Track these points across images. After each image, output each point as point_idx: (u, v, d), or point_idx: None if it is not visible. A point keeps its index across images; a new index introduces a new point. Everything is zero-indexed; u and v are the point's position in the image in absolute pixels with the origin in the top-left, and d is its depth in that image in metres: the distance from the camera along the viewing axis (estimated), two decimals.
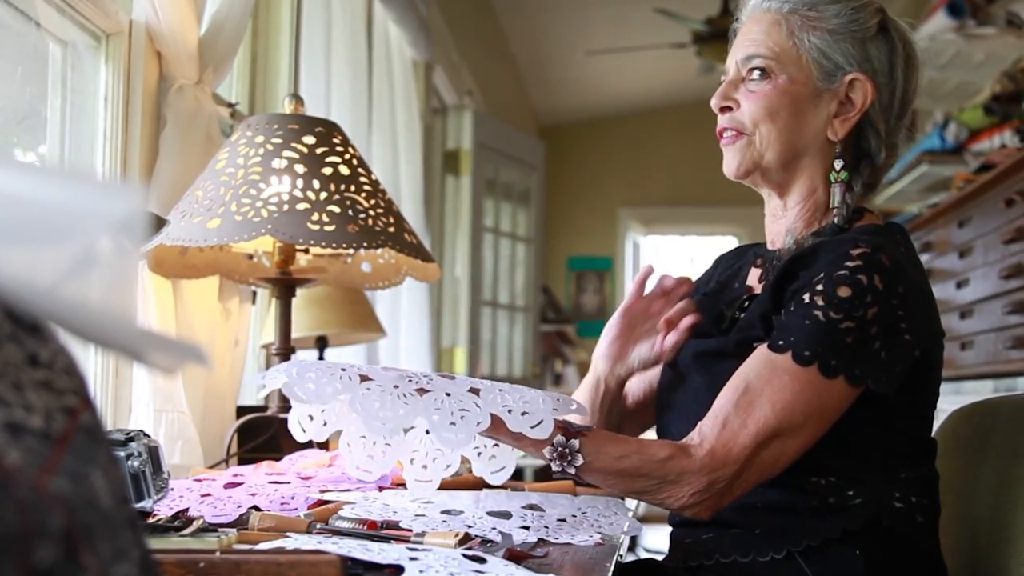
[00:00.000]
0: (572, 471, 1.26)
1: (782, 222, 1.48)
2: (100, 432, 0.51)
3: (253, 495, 1.35)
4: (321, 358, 2.66)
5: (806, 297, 1.29)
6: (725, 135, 1.45)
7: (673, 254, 9.51)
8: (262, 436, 1.87)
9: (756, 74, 1.42)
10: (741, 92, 1.44)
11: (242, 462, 1.79)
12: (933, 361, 1.37)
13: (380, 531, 1.22)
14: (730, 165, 1.46)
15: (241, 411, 2.07)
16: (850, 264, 1.28)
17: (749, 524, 1.35)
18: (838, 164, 1.42)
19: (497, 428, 1.24)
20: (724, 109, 1.45)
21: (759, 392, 1.27)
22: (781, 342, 1.29)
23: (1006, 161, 2.95)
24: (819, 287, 1.29)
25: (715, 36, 6.03)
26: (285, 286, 1.93)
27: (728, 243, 9.04)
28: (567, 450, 1.26)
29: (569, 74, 7.64)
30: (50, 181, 0.50)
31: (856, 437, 1.33)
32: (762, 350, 1.30)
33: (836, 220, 1.40)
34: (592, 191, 8.56)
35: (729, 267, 1.61)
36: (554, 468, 1.27)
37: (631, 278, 8.68)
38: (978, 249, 3.16)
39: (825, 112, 1.41)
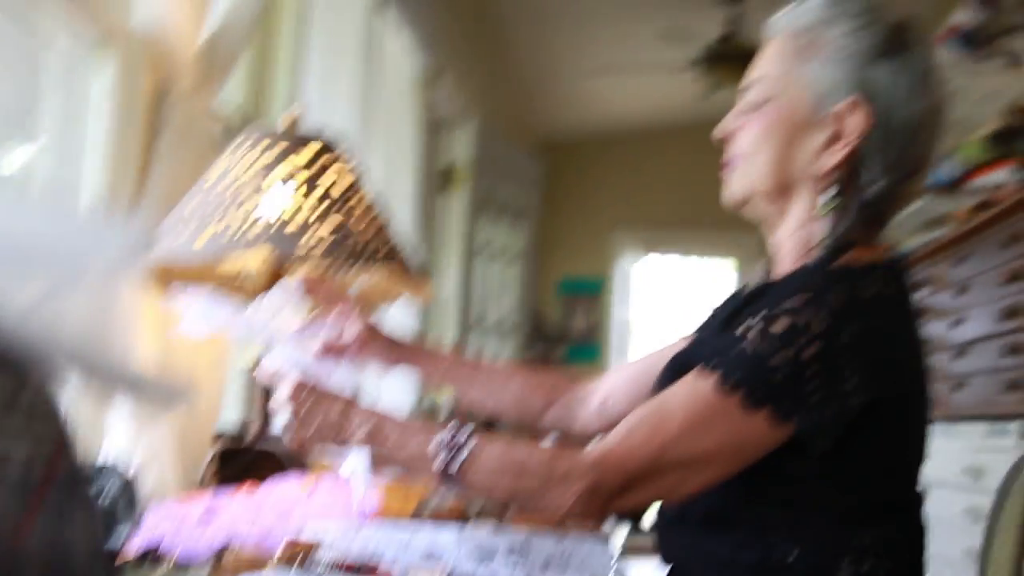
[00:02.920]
0: (456, 466, 1.20)
1: (777, 260, 1.43)
2: (78, 476, 0.50)
3: (228, 531, 1.32)
4: None
5: (741, 328, 1.24)
6: (726, 164, 1.42)
7: (667, 277, 9.49)
8: (239, 462, 1.83)
9: (752, 100, 1.39)
10: (741, 120, 1.40)
11: (221, 485, 1.75)
12: (899, 413, 1.28)
13: (357, 573, 1.19)
14: (726, 193, 1.43)
15: (220, 436, 2.04)
16: (792, 302, 1.22)
17: (701, 573, 1.31)
18: (823, 198, 1.34)
19: (378, 438, 1.23)
20: (725, 139, 1.42)
21: (673, 412, 1.21)
22: (708, 367, 1.22)
23: (1006, 200, 2.94)
24: (756, 319, 1.23)
25: (719, 59, 6.03)
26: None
27: (725, 267, 9.03)
28: (453, 443, 1.21)
29: (571, 92, 7.62)
30: (46, 218, 0.49)
31: (798, 494, 1.26)
32: (690, 373, 1.24)
33: (813, 258, 1.33)
34: (587, 211, 8.53)
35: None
36: (437, 465, 1.21)
37: (624, 300, 8.69)
38: (975, 288, 3.14)
39: (819, 141, 1.33)
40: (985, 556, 1.56)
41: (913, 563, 1.32)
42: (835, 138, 1.33)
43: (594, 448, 1.22)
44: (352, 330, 1.52)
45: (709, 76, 6.19)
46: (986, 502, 2.74)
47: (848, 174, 1.34)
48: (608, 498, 1.20)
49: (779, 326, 1.21)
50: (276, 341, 1.46)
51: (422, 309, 4.80)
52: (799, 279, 1.28)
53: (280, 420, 1.27)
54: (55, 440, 0.49)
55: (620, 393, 1.61)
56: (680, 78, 6.58)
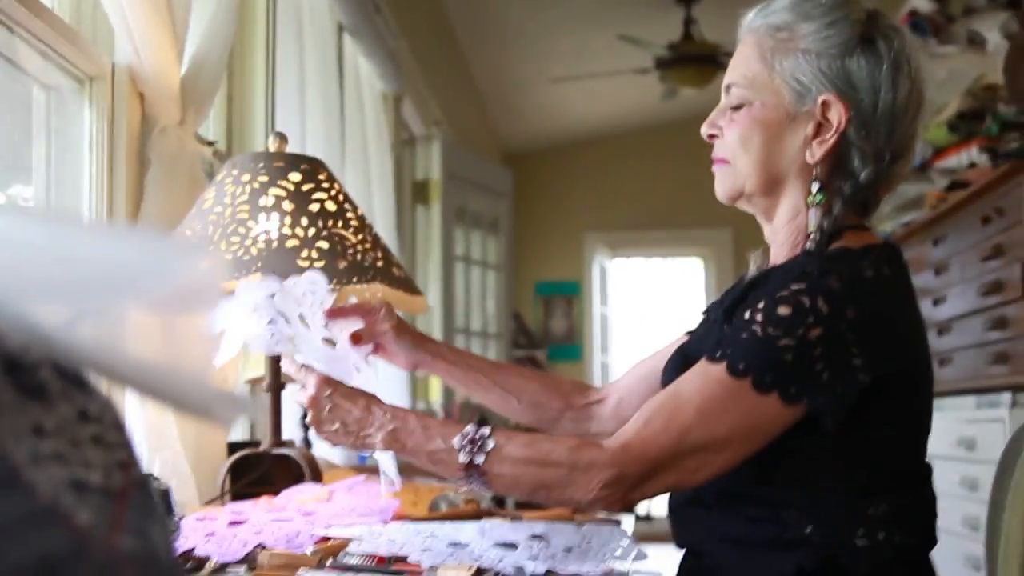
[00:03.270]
0: (481, 459, 1.24)
1: (773, 248, 1.47)
2: (149, 485, 0.52)
3: (258, 533, 1.35)
4: None
5: (747, 314, 1.28)
6: (715, 162, 1.46)
7: (639, 277, 9.55)
8: (255, 472, 1.86)
9: (733, 101, 1.41)
10: (725, 119, 1.43)
11: (236, 498, 1.78)
12: (905, 389, 1.32)
13: (390, 566, 1.22)
14: (717, 190, 1.46)
15: (232, 447, 2.06)
16: (793, 286, 1.26)
17: (717, 555, 1.35)
18: (814, 187, 1.37)
19: (401, 434, 1.28)
20: (712, 136, 1.45)
21: (687, 399, 1.25)
22: (718, 354, 1.27)
23: (981, 179, 3.00)
24: (760, 305, 1.27)
25: (678, 61, 6.10)
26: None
27: (694, 265, 9.10)
28: (478, 436, 1.26)
29: (533, 102, 7.68)
30: (113, 238, 0.51)
31: (812, 470, 1.30)
32: (700, 362, 1.29)
33: (808, 245, 1.36)
34: (558, 217, 8.59)
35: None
36: (462, 459, 1.25)
37: (599, 302, 8.74)
38: (954, 266, 3.20)
39: (802, 135, 1.37)
40: (992, 524, 1.59)
41: (925, 531, 1.36)
42: (819, 131, 1.37)
43: (614, 439, 1.25)
44: (384, 324, 1.56)
45: (667, 79, 6.25)
46: (981, 471, 2.82)
47: (835, 164, 1.38)
48: (631, 487, 1.24)
49: (783, 309, 1.25)
50: (304, 338, 1.50)
51: (409, 318, 4.83)
52: (799, 264, 1.32)
53: (303, 417, 1.31)
54: (126, 447, 0.51)
55: (633, 393, 1.65)
56: (639, 82, 6.64)
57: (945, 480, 2.96)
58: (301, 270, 1.73)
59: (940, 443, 3.05)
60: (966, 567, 2.92)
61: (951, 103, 3.79)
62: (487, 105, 7.59)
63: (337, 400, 1.33)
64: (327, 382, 1.33)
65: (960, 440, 3.01)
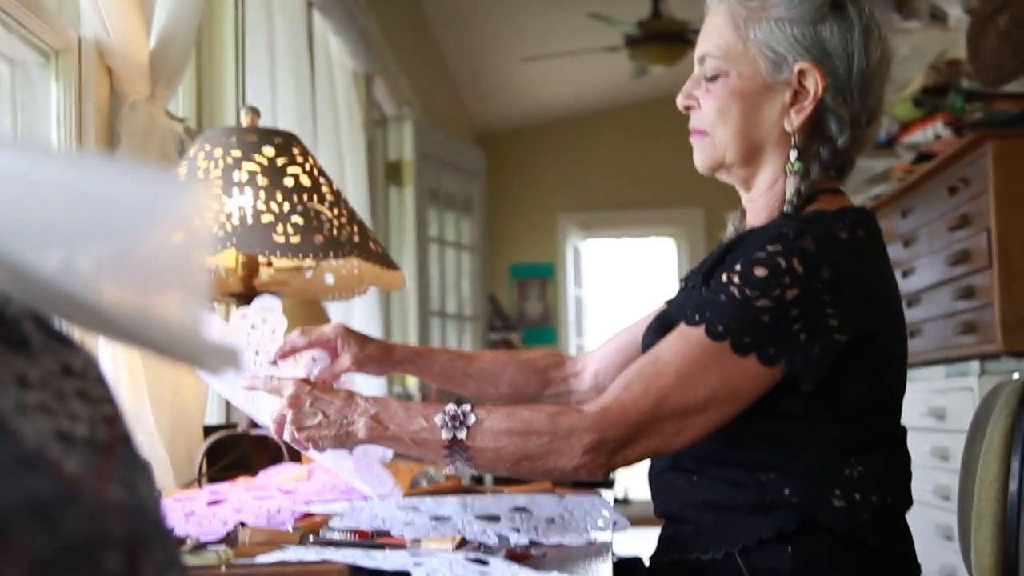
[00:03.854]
0: (463, 434, 1.25)
1: (750, 214, 1.48)
2: (134, 441, 0.51)
3: (238, 511, 1.34)
4: None
5: (724, 277, 1.29)
6: (692, 132, 1.45)
7: (612, 258, 9.57)
8: (232, 454, 1.84)
9: (708, 72, 1.41)
10: (701, 90, 1.43)
11: (213, 481, 1.76)
12: (880, 349, 1.33)
13: (373, 540, 1.21)
14: (696, 161, 1.46)
15: (208, 430, 2.04)
16: (769, 247, 1.27)
17: (698, 521, 1.36)
18: (793, 155, 1.38)
19: (383, 418, 1.28)
20: (688, 108, 1.45)
21: (667, 363, 1.26)
22: (697, 316, 1.27)
23: (947, 150, 3.02)
24: (736, 268, 1.28)
25: (647, 39, 6.08)
26: (249, 301, 1.91)
27: (666, 245, 9.12)
28: (459, 412, 1.26)
29: (504, 82, 7.66)
30: (98, 175, 0.49)
31: (790, 431, 1.31)
32: (679, 325, 1.30)
33: (785, 209, 1.37)
34: (530, 198, 8.59)
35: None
36: (444, 436, 1.25)
37: (572, 283, 8.75)
38: (922, 238, 3.22)
39: (779, 104, 1.38)
40: (964, 488, 1.61)
41: (901, 492, 1.37)
42: (795, 98, 1.38)
43: (594, 403, 1.26)
44: (345, 360, 1.51)
45: (637, 57, 6.24)
46: (951, 441, 2.84)
47: (812, 130, 1.40)
48: (613, 451, 1.24)
49: (760, 271, 1.25)
50: (260, 362, 1.48)
51: (383, 300, 4.81)
52: (774, 227, 1.33)
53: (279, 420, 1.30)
54: (110, 402, 0.50)
55: (611, 364, 1.65)
56: (610, 61, 6.63)
57: (916, 450, 2.97)
58: (276, 246, 1.71)
59: (911, 414, 3.06)
60: (937, 535, 2.94)
61: (915, 78, 3.81)
62: (458, 85, 7.56)
63: (317, 394, 1.32)
64: (305, 382, 1.33)
65: (930, 410, 3.03)
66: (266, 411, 1.43)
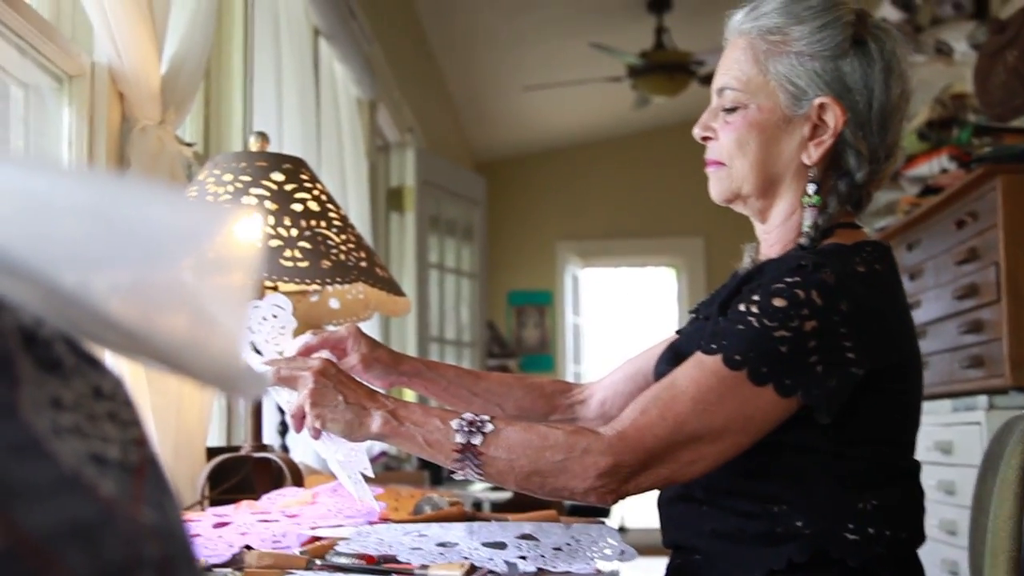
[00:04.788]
0: (479, 440, 1.24)
1: (765, 245, 1.48)
2: (160, 464, 0.51)
3: (244, 534, 1.34)
4: None
5: (742, 306, 1.29)
6: (708, 163, 1.45)
7: (611, 287, 9.57)
8: (235, 477, 1.84)
9: (727, 104, 1.42)
10: (719, 121, 1.43)
11: (216, 504, 1.76)
12: (895, 383, 1.33)
13: (380, 565, 1.21)
14: (712, 192, 1.46)
15: (212, 452, 2.04)
16: (788, 279, 1.27)
17: (708, 551, 1.35)
18: (811, 188, 1.39)
19: (399, 415, 1.27)
20: (706, 139, 1.45)
21: (683, 390, 1.25)
22: (713, 345, 1.27)
23: (955, 184, 3.03)
24: (755, 297, 1.28)
25: (650, 69, 6.12)
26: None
27: (665, 274, 9.13)
28: (478, 420, 1.26)
29: (506, 110, 7.69)
30: (139, 200, 0.50)
31: (804, 464, 1.31)
32: (695, 354, 1.29)
33: (802, 241, 1.38)
34: (530, 225, 8.60)
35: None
36: (458, 439, 1.25)
37: (571, 311, 8.75)
38: (929, 271, 3.23)
39: (798, 137, 1.39)
40: (976, 524, 1.60)
41: (914, 527, 1.37)
42: (814, 132, 1.38)
43: (610, 427, 1.25)
44: (352, 357, 1.51)
45: (639, 87, 6.27)
46: (957, 475, 2.84)
47: (830, 164, 1.40)
48: (626, 477, 1.24)
49: (779, 301, 1.26)
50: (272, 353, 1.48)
51: (383, 326, 4.82)
52: (792, 258, 1.33)
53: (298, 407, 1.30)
54: (139, 425, 0.50)
55: (619, 393, 1.65)
56: (611, 91, 6.67)
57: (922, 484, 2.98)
58: (284, 269, 1.72)
59: (917, 447, 3.06)
60: (943, 571, 2.93)
61: (920, 112, 3.83)
62: (460, 113, 7.60)
63: (343, 379, 1.32)
64: (323, 370, 1.32)
65: (937, 444, 3.02)
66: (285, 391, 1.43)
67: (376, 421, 1.28)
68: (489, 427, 1.25)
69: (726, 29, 1.47)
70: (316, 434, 1.31)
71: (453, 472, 1.29)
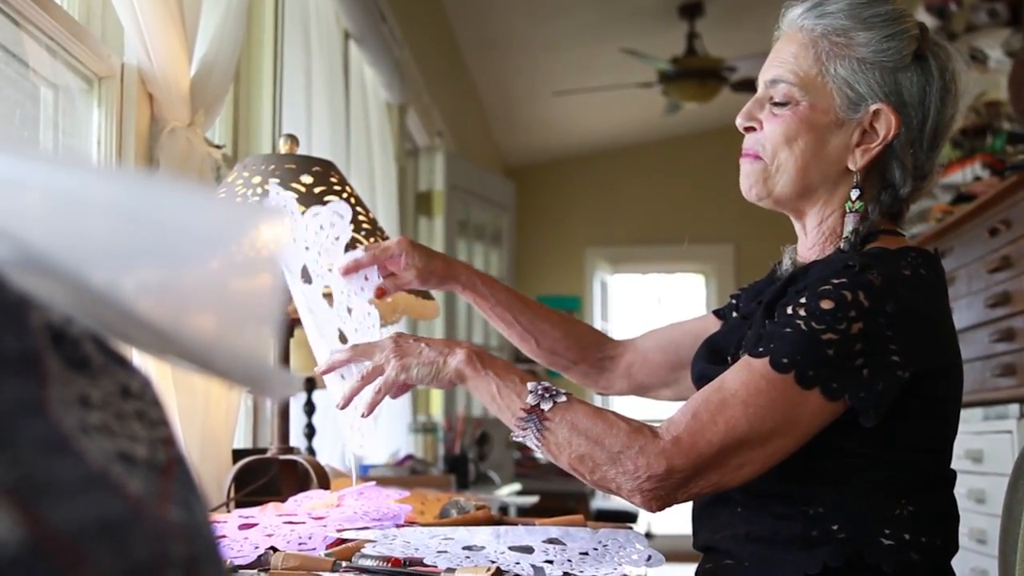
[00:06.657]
0: (549, 406, 1.27)
1: (804, 244, 1.47)
2: (188, 463, 0.51)
3: (269, 536, 1.33)
4: (309, 401, 2.63)
5: (789, 309, 1.28)
6: (744, 154, 1.44)
7: (640, 292, 9.54)
8: (261, 479, 1.84)
9: (778, 96, 1.40)
10: (765, 112, 1.41)
11: (241, 505, 1.76)
12: (937, 389, 1.32)
13: (406, 568, 1.21)
14: (743, 185, 1.44)
15: (238, 454, 2.04)
16: (835, 280, 1.27)
17: (740, 554, 1.35)
18: (854, 194, 1.38)
19: (480, 360, 1.32)
20: (748, 129, 1.43)
21: (733, 393, 1.25)
22: (760, 348, 1.27)
23: (988, 192, 3.00)
24: (802, 299, 1.27)
25: (681, 75, 6.10)
26: (283, 327, 1.91)
27: (695, 281, 9.10)
28: (553, 388, 1.29)
29: (536, 115, 7.69)
30: (170, 200, 0.49)
31: (843, 468, 1.30)
32: (743, 357, 1.29)
33: (843, 246, 1.38)
34: (559, 231, 8.60)
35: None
36: (530, 400, 1.28)
37: (599, 317, 8.73)
38: (961, 279, 3.20)
39: (846, 141, 1.38)
40: (1007, 532, 1.58)
41: (950, 534, 1.36)
42: (863, 138, 1.37)
43: (665, 431, 1.25)
44: (408, 272, 1.52)
45: (671, 94, 6.26)
46: (988, 484, 2.81)
47: (875, 173, 1.40)
48: (677, 485, 1.24)
49: (826, 303, 1.25)
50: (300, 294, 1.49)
51: (410, 330, 4.81)
52: (838, 261, 1.32)
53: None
54: (166, 425, 0.50)
55: (648, 361, 1.69)
56: (642, 97, 6.65)
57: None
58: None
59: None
60: None
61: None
62: (489, 117, 7.60)
63: (418, 336, 1.38)
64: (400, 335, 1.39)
65: (967, 452, 3.00)
66: (329, 328, 1.45)
67: (459, 357, 1.33)
68: (562, 398, 1.28)
69: (782, 20, 1.45)
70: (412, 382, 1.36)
71: (512, 433, 1.31)
